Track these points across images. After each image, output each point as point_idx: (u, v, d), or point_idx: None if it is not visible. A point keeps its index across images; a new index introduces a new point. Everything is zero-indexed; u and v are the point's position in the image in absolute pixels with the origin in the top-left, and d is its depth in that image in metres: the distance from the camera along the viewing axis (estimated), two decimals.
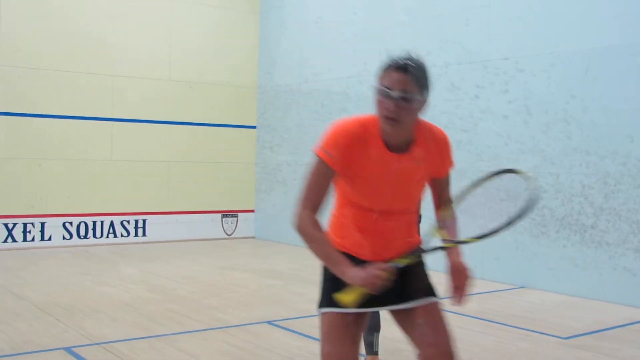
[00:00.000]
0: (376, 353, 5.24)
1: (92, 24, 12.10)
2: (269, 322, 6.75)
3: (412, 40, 10.61)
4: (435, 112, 10.20)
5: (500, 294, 8.57)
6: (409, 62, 3.03)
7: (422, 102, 3.07)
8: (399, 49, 10.68)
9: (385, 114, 2.99)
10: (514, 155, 9.16)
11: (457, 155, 9.96)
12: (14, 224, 11.38)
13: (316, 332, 5.77)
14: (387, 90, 2.99)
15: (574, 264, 8.44)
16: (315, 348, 5.83)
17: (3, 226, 11.30)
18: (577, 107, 8.46)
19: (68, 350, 5.64)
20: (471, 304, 7.71)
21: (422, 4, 10.57)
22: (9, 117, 11.29)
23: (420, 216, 4.37)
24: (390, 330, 6.30)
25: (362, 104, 11.36)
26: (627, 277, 7.94)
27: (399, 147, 3.10)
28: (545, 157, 8.77)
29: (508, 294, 8.53)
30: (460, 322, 6.91)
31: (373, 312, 5.13)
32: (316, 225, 3.07)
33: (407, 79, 2.99)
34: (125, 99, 12.38)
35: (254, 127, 13.84)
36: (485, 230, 3.17)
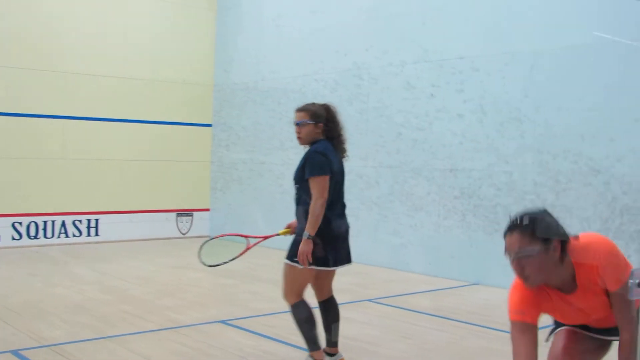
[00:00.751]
0: (335, 344, 5.21)
1: (45, 19, 11.85)
2: (223, 322, 6.69)
3: (369, 39, 10.63)
4: (392, 110, 10.25)
5: (454, 291, 8.63)
6: (517, 221, 3.16)
7: (548, 251, 3.06)
8: (355, 48, 10.70)
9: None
10: (468, 154, 9.22)
11: (413, 154, 10.05)
12: None
13: (270, 331, 5.76)
14: (506, 254, 3.21)
15: None
16: (269, 347, 5.80)
17: None
18: (530, 107, 8.55)
19: (15, 353, 5.50)
20: (425, 301, 7.76)
21: (379, 3, 10.59)
22: None
23: None
24: (342, 327, 6.29)
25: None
26: None
27: (567, 289, 3.18)
28: (499, 156, 8.86)
29: (462, 291, 8.59)
30: (415, 319, 6.94)
31: (331, 303, 5.20)
32: None
33: (517, 238, 3.13)
34: (78, 97, 12.16)
35: (210, 125, 13.73)
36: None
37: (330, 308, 5.20)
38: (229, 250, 5.39)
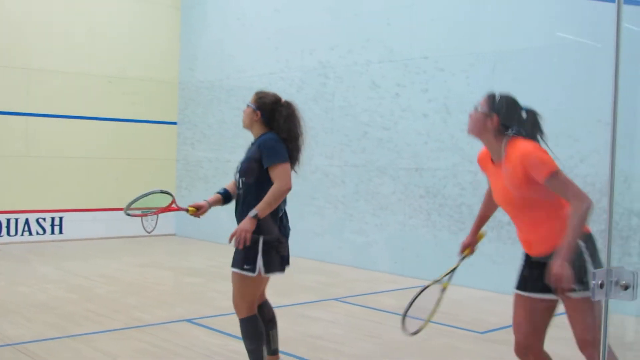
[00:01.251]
0: (276, 351, 4.87)
1: (7, 14, 11.71)
2: (189, 320, 6.68)
3: (335, 38, 10.67)
4: (357, 110, 10.30)
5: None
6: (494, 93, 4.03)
7: (487, 118, 4.01)
8: (320, 47, 10.70)
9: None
10: (433, 153, 9.31)
11: (378, 153, 10.11)
12: None
13: (236, 330, 5.76)
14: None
15: (491, 260, 8.64)
16: (236, 346, 5.81)
17: None
18: None
19: None
20: (391, 300, 7.82)
21: (344, 3, 10.64)
22: None
23: None
24: (307, 326, 6.32)
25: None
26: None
27: (496, 159, 3.97)
28: (463, 156, 8.95)
29: (427, 290, 8.65)
30: (379, 318, 7.00)
31: (267, 308, 4.84)
32: None
33: (484, 98, 4.05)
34: (42, 94, 12.02)
35: (175, 123, 13.66)
36: None
37: (266, 313, 4.81)
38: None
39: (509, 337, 6.40)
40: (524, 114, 3.96)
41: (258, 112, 4.66)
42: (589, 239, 3.80)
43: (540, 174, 3.62)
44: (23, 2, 11.87)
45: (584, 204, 3.66)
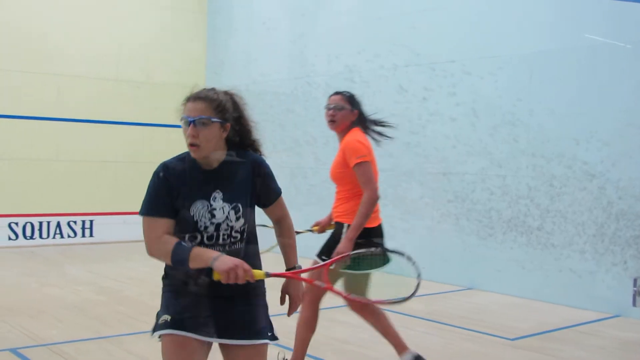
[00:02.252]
0: None
1: (38, 22, 11.87)
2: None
3: (360, 42, 10.68)
4: (384, 114, 10.24)
5: (447, 295, 8.67)
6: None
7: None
8: (347, 51, 10.67)
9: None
10: (461, 157, 9.27)
11: (405, 157, 10.05)
12: None
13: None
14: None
15: (520, 266, 8.58)
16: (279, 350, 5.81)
17: None
18: (523, 110, 8.60)
19: (13, 351, 5.53)
20: (418, 305, 7.79)
21: (369, 7, 10.65)
22: None
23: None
24: (334, 330, 6.32)
25: (309, 105, 11.38)
26: (572, 278, 8.10)
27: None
28: (492, 160, 8.91)
29: (455, 295, 8.64)
30: (407, 323, 6.97)
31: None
32: None
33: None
34: (71, 99, 12.16)
35: None
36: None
37: None
38: None
39: (541, 344, 6.39)
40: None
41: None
42: (370, 230, 4.80)
43: (350, 160, 4.77)
44: (53, 11, 12.02)
45: (371, 196, 4.70)
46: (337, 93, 5.17)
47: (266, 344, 3.12)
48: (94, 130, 12.41)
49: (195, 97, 3.20)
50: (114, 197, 12.67)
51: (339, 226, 4.89)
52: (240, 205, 3.10)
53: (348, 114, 5.04)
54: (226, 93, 3.33)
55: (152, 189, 3.22)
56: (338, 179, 4.94)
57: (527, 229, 8.51)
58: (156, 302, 7.66)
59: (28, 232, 11.71)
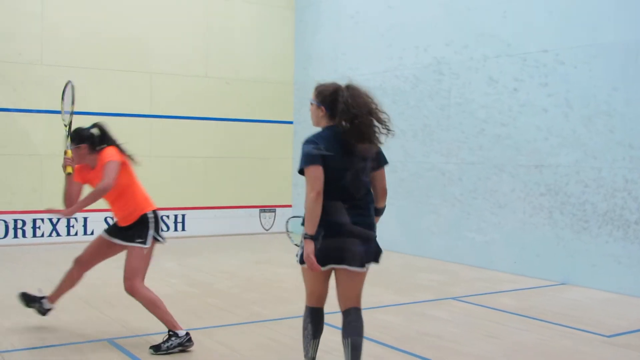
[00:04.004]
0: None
1: (130, 22, 12.23)
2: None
3: (449, 33, 10.53)
4: (474, 106, 10.12)
5: (540, 290, 8.47)
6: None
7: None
8: (435, 43, 10.56)
9: None
10: (555, 149, 9.03)
11: (496, 150, 9.85)
12: (58, 219, 11.55)
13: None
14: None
15: (617, 261, 8.30)
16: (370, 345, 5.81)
17: (48, 221, 11.48)
18: (620, 100, 8.30)
19: (110, 341, 5.71)
20: (511, 301, 7.64)
21: None
22: (57, 115, 11.45)
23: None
24: (425, 325, 6.26)
25: (398, 98, 11.31)
26: None
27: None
28: (586, 151, 8.64)
29: (549, 291, 8.43)
30: (500, 318, 6.85)
31: (319, 317, 4.73)
32: None
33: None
34: (163, 96, 12.47)
35: (291, 122, 13.86)
36: None
37: (319, 321, 4.84)
38: None
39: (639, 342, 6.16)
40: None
41: (322, 107, 4.46)
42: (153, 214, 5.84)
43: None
44: (143, 11, 12.34)
45: (103, 185, 5.77)
46: None
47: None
48: (185, 127, 12.68)
49: None
50: (205, 192, 12.94)
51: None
52: None
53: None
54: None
55: (309, 148, 4.30)
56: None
57: (624, 222, 8.21)
58: (246, 295, 7.82)
59: None
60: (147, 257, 5.76)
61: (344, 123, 4.29)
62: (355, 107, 4.27)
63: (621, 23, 8.35)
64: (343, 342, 4.45)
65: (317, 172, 4.17)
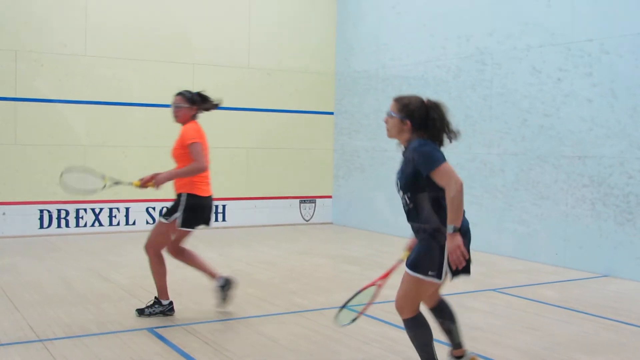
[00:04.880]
0: (459, 345, 4.72)
1: (173, 14, 12.33)
2: (347, 308, 6.74)
3: (492, 23, 10.42)
4: (517, 96, 10.01)
5: (583, 282, 8.36)
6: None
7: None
8: (478, 33, 10.48)
9: None
10: (599, 140, 8.89)
11: (539, 140, 9.73)
12: (101, 209, 11.73)
13: (393, 318, 5.77)
14: None
15: None
16: (393, 334, 5.82)
17: (90, 211, 11.67)
18: None
19: (151, 330, 5.79)
20: (552, 292, 7.56)
21: None
22: (100, 105, 11.64)
23: None
24: (464, 315, 6.23)
25: (440, 88, 11.23)
26: None
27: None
28: (632, 142, 8.49)
29: (591, 283, 8.32)
30: (541, 310, 6.79)
31: (446, 306, 4.70)
32: None
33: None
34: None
35: (332, 113, 13.85)
36: None
37: (446, 311, 4.69)
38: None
39: None
40: None
41: (407, 121, 4.40)
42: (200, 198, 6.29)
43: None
44: (186, 2, 12.43)
45: (196, 166, 6.28)
46: (178, 94, 6.85)
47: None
48: (227, 117, 12.74)
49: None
50: (245, 183, 13.01)
51: (178, 196, 6.29)
52: (398, 180, 4.49)
53: (187, 111, 6.86)
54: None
55: (434, 147, 4.38)
56: (176, 158, 6.59)
57: None
58: (286, 285, 7.87)
59: None
60: (165, 234, 6.23)
61: (426, 137, 4.44)
62: (445, 126, 4.56)
63: None
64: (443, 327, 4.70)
65: (449, 165, 4.25)
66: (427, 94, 12.56)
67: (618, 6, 8.69)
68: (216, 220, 12.71)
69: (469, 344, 5.39)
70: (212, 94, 7.11)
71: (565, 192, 9.30)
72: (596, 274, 8.75)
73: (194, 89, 7.04)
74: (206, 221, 6.40)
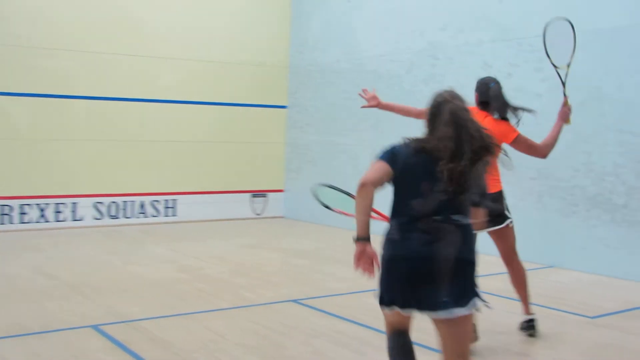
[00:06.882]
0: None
1: (126, 5, 12.12)
2: (295, 301, 6.75)
3: (445, 18, 10.49)
4: (468, 91, 9.93)
5: (528, 273, 8.45)
6: None
7: None
8: (431, 27, 10.41)
9: None
10: (545, 134, 8.94)
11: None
12: (47, 204, 11.51)
13: (342, 311, 5.77)
14: None
15: (604, 244, 8.31)
16: (341, 327, 5.82)
17: (36, 206, 11.44)
18: (611, 85, 8.28)
19: (95, 327, 5.69)
20: (499, 283, 7.64)
21: None
22: (44, 98, 11.39)
23: None
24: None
25: (393, 82, 11.26)
26: None
27: None
28: (577, 136, 8.61)
29: (536, 273, 8.42)
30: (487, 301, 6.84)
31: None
32: None
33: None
34: (156, 80, 12.40)
35: (285, 107, 13.81)
36: None
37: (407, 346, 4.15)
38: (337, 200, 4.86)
39: (622, 322, 6.19)
40: None
41: None
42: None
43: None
44: None
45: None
46: None
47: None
48: (178, 111, 12.62)
49: None
50: (196, 177, 12.89)
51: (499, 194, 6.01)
52: None
53: None
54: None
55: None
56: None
57: (612, 206, 8.21)
58: (235, 280, 7.81)
59: (113, 212, 12.04)
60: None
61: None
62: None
63: (615, 8, 8.32)
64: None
65: (379, 164, 3.74)
66: (380, 87, 12.55)
67: (568, 3, 8.80)
68: (166, 215, 12.57)
69: (414, 335, 5.41)
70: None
71: (512, 185, 9.39)
72: (542, 265, 8.87)
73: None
74: None
